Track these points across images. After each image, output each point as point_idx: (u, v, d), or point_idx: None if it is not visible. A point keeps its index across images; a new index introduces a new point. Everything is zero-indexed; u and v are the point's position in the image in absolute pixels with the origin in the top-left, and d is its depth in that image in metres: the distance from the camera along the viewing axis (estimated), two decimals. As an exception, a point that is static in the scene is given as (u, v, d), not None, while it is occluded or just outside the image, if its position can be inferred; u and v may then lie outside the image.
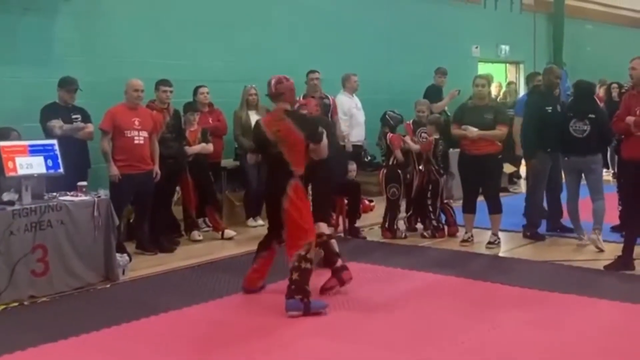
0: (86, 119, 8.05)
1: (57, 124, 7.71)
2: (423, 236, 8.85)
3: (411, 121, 9.37)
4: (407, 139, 9.02)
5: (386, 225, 8.93)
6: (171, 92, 8.58)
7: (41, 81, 8.40)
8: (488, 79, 9.05)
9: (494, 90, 13.07)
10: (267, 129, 6.22)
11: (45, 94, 8.09)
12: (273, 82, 6.24)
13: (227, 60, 10.51)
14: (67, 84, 7.98)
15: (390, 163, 8.91)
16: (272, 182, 6.30)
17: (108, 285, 6.81)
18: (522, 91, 14.30)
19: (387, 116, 9.07)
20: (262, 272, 6.56)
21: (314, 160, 6.36)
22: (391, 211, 8.95)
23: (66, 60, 8.78)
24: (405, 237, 8.88)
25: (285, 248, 6.22)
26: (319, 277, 6.48)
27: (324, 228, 6.78)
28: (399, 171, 8.90)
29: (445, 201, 8.94)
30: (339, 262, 6.65)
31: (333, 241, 6.86)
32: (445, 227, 8.90)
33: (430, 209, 8.86)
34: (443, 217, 8.94)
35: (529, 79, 10.69)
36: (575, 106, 8.23)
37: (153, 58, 9.60)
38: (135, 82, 7.91)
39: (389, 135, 8.90)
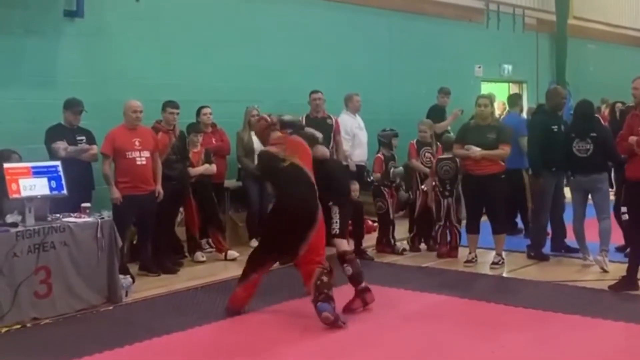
0: (91, 140, 8.06)
1: (62, 145, 7.72)
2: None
3: (415, 141, 9.38)
4: (415, 161, 9.11)
5: (383, 241, 8.96)
6: (178, 114, 8.58)
7: (45, 102, 8.43)
8: (491, 99, 9.05)
9: (497, 110, 13.07)
10: (274, 149, 6.43)
11: (50, 116, 8.11)
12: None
13: (231, 80, 10.52)
14: (73, 106, 8.00)
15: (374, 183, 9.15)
16: (303, 200, 6.29)
17: (111, 307, 6.79)
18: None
19: (378, 137, 9.28)
20: (252, 292, 6.52)
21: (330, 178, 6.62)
22: (384, 225, 8.97)
23: (70, 81, 8.81)
24: (403, 252, 8.89)
25: (300, 263, 6.32)
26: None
27: (344, 245, 6.81)
28: (381, 187, 9.09)
29: (455, 224, 8.85)
30: (364, 284, 6.66)
31: (358, 261, 6.88)
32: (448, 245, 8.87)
33: (435, 228, 8.89)
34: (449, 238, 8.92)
35: (511, 100, 10.76)
36: (577, 126, 8.25)
37: (157, 79, 9.63)
38: (133, 103, 7.93)
39: (376, 155, 9.14)
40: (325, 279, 6.13)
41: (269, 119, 6.70)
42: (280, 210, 6.49)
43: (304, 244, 6.23)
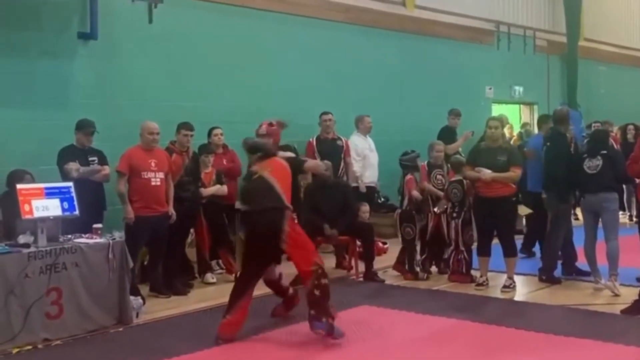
0: (103, 161, 8.12)
1: (74, 166, 7.76)
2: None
3: (426, 163, 9.36)
4: (429, 185, 9.02)
5: (406, 267, 8.90)
6: (192, 135, 8.63)
7: (58, 124, 8.50)
8: (501, 121, 9.03)
9: (507, 132, 13.05)
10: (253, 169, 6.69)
11: (62, 137, 8.18)
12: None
13: (242, 102, 10.57)
14: (85, 127, 8.07)
15: (404, 207, 8.92)
16: (264, 220, 6.38)
17: (121, 328, 6.79)
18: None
19: (402, 162, 9.13)
20: (243, 318, 6.48)
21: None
22: (408, 251, 8.91)
23: (83, 103, 8.88)
24: (427, 278, 8.84)
25: (300, 273, 6.47)
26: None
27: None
28: (414, 212, 8.91)
29: (461, 248, 8.75)
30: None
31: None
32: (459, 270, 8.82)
33: (448, 252, 8.87)
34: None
35: (541, 121, 10.71)
36: (589, 147, 8.34)
37: (169, 100, 9.69)
38: (150, 125, 7.97)
39: (407, 177, 8.94)
40: (317, 292, 6.20)
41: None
42: (248, 227, 6.59)
43: (279, 253, 6.46)
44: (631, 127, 12.81)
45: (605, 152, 8.06)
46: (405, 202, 8.93)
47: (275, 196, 6.40)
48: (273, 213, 6.35)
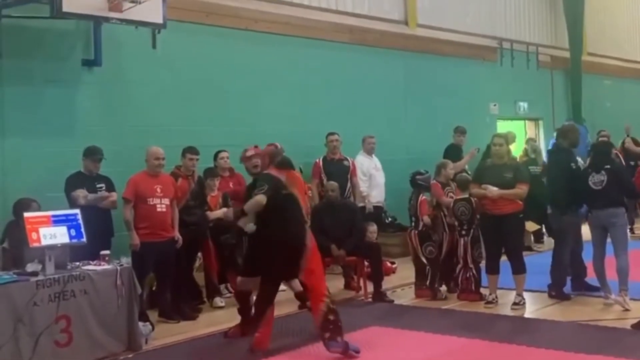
0: (110, 187, 8.13)
1: (81, 193, 7.79)
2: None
3: (436, 181, 9.32)
4: (445, 198, 8.96)
5: (427, 284, 8.83)
6: (197, 159, 8.67)
7: (65, 151, 8.53)
8: (506, 138, 9.01)
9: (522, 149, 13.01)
10: (276, 174, 6.82)
11: (69, 164, 8.22)
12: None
13: (247, 125, 10.58)
14: (92, 154, 8.10)
15: (421, 228, 8.87)
16: (290, 233, 6.61)
17: (131, 355, 6.77)
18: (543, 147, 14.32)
19: (418, 181, 9.01)
20: (271, 328, 6.74)
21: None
22: (432, 270, 8.81)
23: (89, 129, 8.92)
24: (445, 297, 8.78)
25: (310, 296, 6.63)
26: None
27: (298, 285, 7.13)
28: (430, 232, 8.87)
29: (470, 266, 8.66)
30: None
31: None
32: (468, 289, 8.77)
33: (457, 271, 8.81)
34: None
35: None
36: (593, 161, 8.32)
37: (175, 125, 9.71)
38: (156, 150, 8.00)
39: (421, 198, 8.87)
40: (331, 317, 6.40)
41: (279, 145, 7.20)
42: (272, 241, 6.66)
43: (300, 269, 6.60)
44: (629, 139, 12.96)
45: (608, 166, 8.04)
46: (421, 223, 8.87)
47: (301, 214, 6.81)
48: (300, 230, 6.69)
